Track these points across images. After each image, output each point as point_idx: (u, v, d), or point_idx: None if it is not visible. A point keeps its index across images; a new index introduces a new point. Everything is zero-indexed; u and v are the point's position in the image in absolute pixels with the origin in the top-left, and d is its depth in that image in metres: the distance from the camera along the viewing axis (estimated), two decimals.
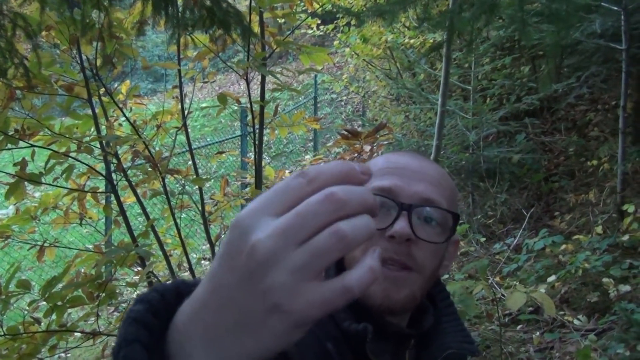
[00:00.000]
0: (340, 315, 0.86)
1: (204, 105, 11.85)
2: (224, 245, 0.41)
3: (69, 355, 3.80)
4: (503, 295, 3.29)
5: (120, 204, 2.49)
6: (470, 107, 5.17)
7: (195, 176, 2.77)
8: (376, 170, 0.91)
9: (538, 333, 3.20)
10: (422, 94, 5.50)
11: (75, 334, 2.37)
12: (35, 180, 2.42)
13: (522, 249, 4.17)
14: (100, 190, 2.79)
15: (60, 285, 2.05)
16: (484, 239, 4.72)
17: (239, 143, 7.58)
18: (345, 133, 2.00)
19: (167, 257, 2.63)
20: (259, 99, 2.66)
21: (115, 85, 3.09)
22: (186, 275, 3.09)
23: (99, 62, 2.62)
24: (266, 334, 0.39)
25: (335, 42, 7.37)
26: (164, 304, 0.48)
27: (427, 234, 0.85)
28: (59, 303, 2.01)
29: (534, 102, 5.20)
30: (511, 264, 3.98)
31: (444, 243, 0.88)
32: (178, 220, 2.72)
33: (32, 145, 2.47)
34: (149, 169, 2.57)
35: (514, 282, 3.37)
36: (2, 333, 1.92)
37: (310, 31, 7.68)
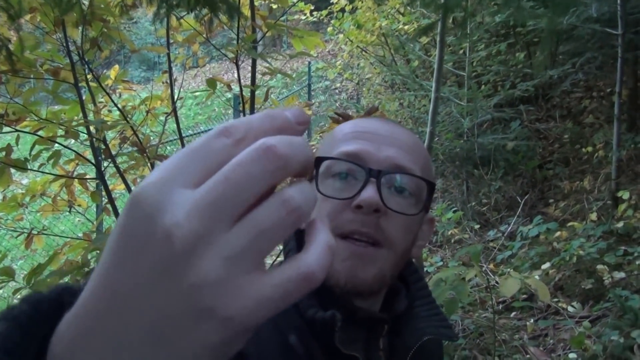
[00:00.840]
0: (303, 302, 0.76)
1: (197, 93, 11.78)
2: (119, 232, 0.29)
3: None
4: (497, 282, 3.27)
5: (107, 190, 2.45)
6: (464, 93, 5.13)
7: None
8: (342, 135, 0.82)
9: (532, 320, 3.19)
10: (416, 81, 5.45)
11: None
12: (21, 166, 2.37)
13: (516, 236, 4.16)
14: (88, 176, 2.74)
15: (46, 273, 2.01)
16: (478, 226, 4.69)
17: None
18: (337, 117, 1.96)
19: None
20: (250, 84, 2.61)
21: (105, 71, 3.04)
22: None
23: (85, 46, 2.56)
24: (193, 349, 0.29)
25: (329, 29, 7.30)
26: (37, 321, 0.34)
27: (398, 204, 0.75)
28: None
29: (529, 89, 5.16)
30: (505, 251, 3.97)
31: (418, 215, 0.77)
32: None
33: (17, 130, 2.41)
34: (137, 155, 2.53)
35: (508, 269, 3.35)
36: None
37: (303, 17, 7.60)
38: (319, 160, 0.78)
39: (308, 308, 0.75)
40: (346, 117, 1.94)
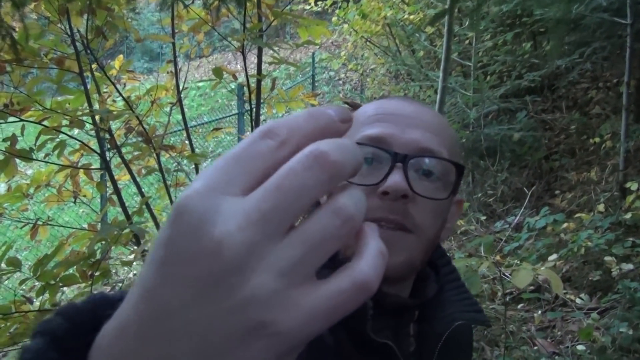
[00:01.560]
0: None
1: (200, 83, 11.76)
2: (163, 245, 0.27)
3: None
4: (504, 274, 3.25)
5: (113, 180, 2.43)
6: (471, 83, 5.08)
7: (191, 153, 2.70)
8: (365, 118, 0.77)
9: (539, 312, 3.17)
10: (421, 71, 5.40)
11: None
12: (26, 156, 2.35)
13: (523, 228, 4.13)
14: (93, 167, 2.72)
15: (52, 264, 1.99)
16: (485, 217, 4.67)
17: (237, 122, 7.49)
18: (345, 106, 1.93)
19: None
20: (255, 74, 2.59)
21: (109, 61, 3.01)
22: None
23: (90, 35, 2.54)
24: None
25: (334, 19, 7.25)
26: (73, 334, 0.34)
27: (426, 189, 0.72)
28: (52, 282, 1.96)
29: (536, 79, 5.12)
30: (512, 242, 3.94)
31: (446, 200, 0.74)
32: (174, 199, 2.66)
33: (22, 120, 2.39)
34: (143, 145, 2.51)
35: (515, 261, 3.33)
36: None
37: (307, 7, 7.55)
38: None
39: None
40: (354, 106, 1.91)
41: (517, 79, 5.27)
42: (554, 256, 3.54)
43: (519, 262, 3.06)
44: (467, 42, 5.50)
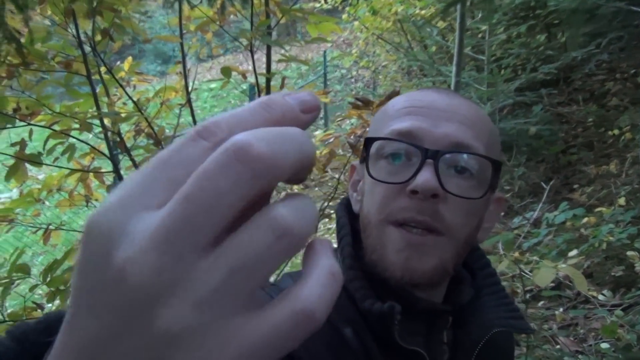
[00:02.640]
0: (359, 292, 0.69)
1: (212, 84, 11.76)
2: (76, 270, 0.23)
3: None
4: (523, 271, 3.18)
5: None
6: (484, 77, 5.00)
7: None
8: (394, 111, 0.72)
9: (561, 309, 3.09)
10: (434, 66, 5.33)
11: None
12: (36, 160, 2.33)
13: (542, 223, 4.04)
14: (103, 170, 2.70)
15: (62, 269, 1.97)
16: (502, 213, 4.59)
17: None
18: (356, 102, 1.88)
19: None
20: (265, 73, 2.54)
21: (118, 62, 2.99)
22: None
23: (97, 37, 2.51)
24: None
25: (344, 16, 7.20)
26: (22, 358, 0.31)
27: (459, 187, 0.67)
28: (61, 287, 1.93)
29: (551, 71, 5.02)
30: (531, 238, 3.86)
31: (482, 199, 0.69)
32: None
33: (32, 125, 2.37)
34: (153, 147, 2.47)
35: (535, 258, 3.25)
36: (3, 319, 1.85)
37: (318, 4, 7.50)
38: (370, 141, 0.71)
39: (364, 299, 0.68)
40: (365, 102, 1.86)
41: (532, 71, 5.18)
42: (574, 252, 3.46)
43: (538, 258, 2.99)
44: (480, 35, 5.42)
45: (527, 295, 3.27)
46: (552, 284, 3.25)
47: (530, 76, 5.11)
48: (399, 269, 0.67)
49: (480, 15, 4.93)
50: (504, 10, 5.20)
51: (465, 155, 0.67)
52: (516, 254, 3.57)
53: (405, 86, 7.19)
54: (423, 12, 6.08)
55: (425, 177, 0.65)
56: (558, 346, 2.73)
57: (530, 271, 2.21)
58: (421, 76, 6.65)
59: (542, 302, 3.23)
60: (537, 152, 5.18)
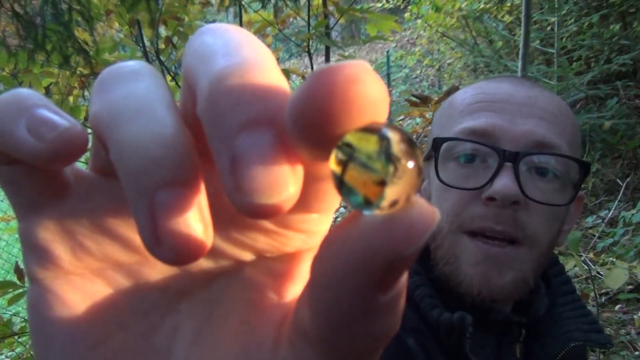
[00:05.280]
0: (424, 300, 0.64)
1: None
2: None
3: None
4: (598, 273, 3.03)
5: None
6: (555, 71, 4.81)
7: None
8: (464, 106, 0.65)
9: None
10: (500, 62, 5.18)
11: None
12: None
13: (618, 223, 3.84)
14: None
15: None
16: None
17: None
18: (413, 99, 1.84)
19: None
20: None
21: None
22: None
23: (161, 46, 2.60)
24: None
25: (407, 14, 7.11)
26: None
27: (541, 192, 0.60)
28: None
29: (627, 63, 4.76)
30: (606, 238, 3.68)
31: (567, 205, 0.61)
32: None
33: None
34: None
35: (610, 258, 3.09)
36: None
37: (379, 4, 7.45)
38: (439, 141, 0.64)
39: (431, 308, 0.63)
40: (423, 99, 1.82)
41: (605, 63, 4.93)
42: None
43: (614, 259, 2.84)
44: (549, 28, 5.21)
45: (603, 299, 3.12)
46: (631, 287, 3.08)
47: (604, 68, 4.86)
48: (476, 283, 0.62)
49: (547, 6, 4.75)
50: (574, 0, 4.99)
51: (547, 157, 0.61)
52: (590, 255, 3.41)
53: (470, 83, 7.02)
54: (488, 6, 5.93)
55: (504, 182, 0.59)
56: (637, 352, 2.58)
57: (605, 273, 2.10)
58: (487, 72, 6.47)
59: (619, 306, 3.07)
60: (612, 147, 4.93)
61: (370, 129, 0.16)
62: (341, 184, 0.16)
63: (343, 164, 0.16)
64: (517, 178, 0.59)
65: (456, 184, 0.63)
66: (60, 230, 0.21)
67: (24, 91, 0.20)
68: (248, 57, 0.18)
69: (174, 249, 0.17)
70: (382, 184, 0.15)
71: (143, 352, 0.22)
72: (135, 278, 0.22)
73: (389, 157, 0.15)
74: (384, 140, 0.16)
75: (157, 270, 0.22)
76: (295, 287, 0.22)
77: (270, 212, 0.16)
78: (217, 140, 0.16)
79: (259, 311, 0.21)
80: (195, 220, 0.17)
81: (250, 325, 0.21)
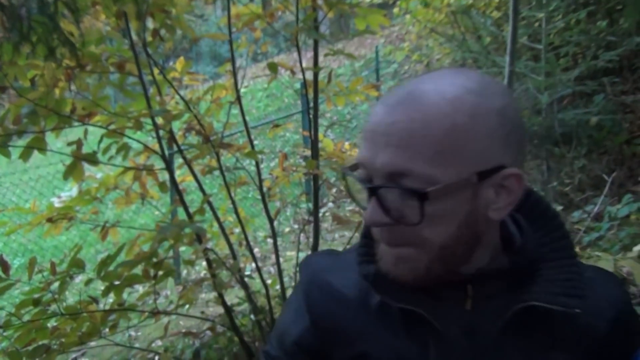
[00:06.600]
0: (360, 257, 0.79)
1: (266, 85, 11.87)
2: None
3: (139, 333, 3.87)
4: None
5: (173, 179, 2.45)
6: (542, 66, 4.84)
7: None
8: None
9: None
10: (488, 57, 5.20)
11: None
12: (92, 159, 2.41)
13: (604, 217, 3.87)
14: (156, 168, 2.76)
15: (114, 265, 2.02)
16: (561, 207, 4.42)
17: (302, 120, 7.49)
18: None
19: (225, 234, 2.57)
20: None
21: (171, 63, 3.06)
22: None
23: (149, 39, 2.57)
24: None
25: (395, 9, 7.11)
26: None
27: (400, 213, 0.67)
28: (116, 282, 1.99)
29: (613, 59, 4.80)
30: (592, 233, 3.71)
31: (419, 221, 0.67)
32: (244, 200, 2.65)
33: (89, 125, 2.45)
34: (203, 145, 2.51)
35: (596, 253, 3.12)
36: (61, 312, 1.92)
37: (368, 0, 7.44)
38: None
39: (361, 264, 0.78)
40: None
41: (592, 59, 4.96)
42: (639, 246, 3.29)
43: (599, 254, 2.87)
44: (536, 24, 5.24)
45: None
46: None
47: (591, 64, 4.89)
48: (385, 267, 0.74)
49: (535, 2, 4.77)
50: None
51: (393, 191, 0.67)
52: (577, 249, 3.43)
53: None
54: (476, 2, 5.95)
55: (368, 212, 0.68)
56: None
57: None
58: (476, 68, 6.50)
59: None
60: (599, 143, 4.97)
61: None
62: None
63: None
64: (381, 205, 0.67)
65: (363, 205, 0.72)
66: None
67: None
68: None
69: None
70: None
71: None
72: None
73: None
74: None
75: None
76: None
77: None
78: None
79: None
80: None
81: None
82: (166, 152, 2.54)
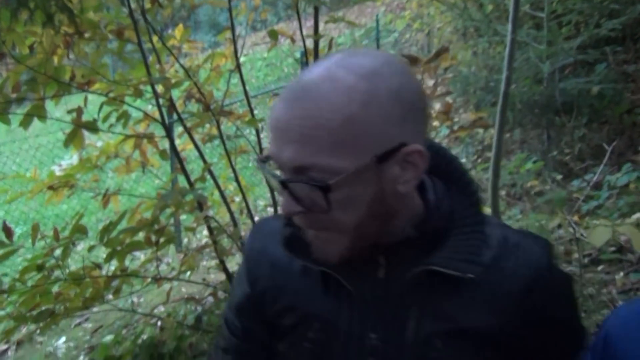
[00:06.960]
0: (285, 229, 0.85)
1: (265, 54, 11.77)
2: None
3: (142, 299, 3.92)
4: (582, 235, 3.08)
5: (173, 147, 2.45)
6: (544, 35, 4.79)
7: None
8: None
9: (621, 274, 2.99)
10: (490, 25, 5.14)
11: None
12: (92, 127, 2.40)
13: (603, 186, 3.89)
14: (156, 135, 2.76)
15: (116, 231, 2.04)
16: (561, 176, 4.43)
17: None
18: (405, 59, 1.83)
19: (226, 202, 2.59)
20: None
21: (169, 31, 3.03)
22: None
23: (147, 5, 2.55)
24: None
25: None
26: None
27: (312, 201, 0.70)
28: (118, 248, 2.01)
29: (616, 27, 4.74)
30: (591, 201, 3.72)
31: (329, 206, 0.69)
32: (244, 170, 2.66)
33: (89, 92, 2.44)
34: (203, 112, 2.51)
35: (594, 221, 3.14)
36: (65, 278, 1.94)
37: None
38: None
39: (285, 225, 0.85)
40: (412, 59, 1.82)
41: (595, 28, 4.91)
42: (637, 214, 3.31)
43: (598, 222, 2.89)
44: None
45: (586, 260, 3.17)
46: (613, 248, 3.14)
47: (593, 33, 4.84)
48: (319, 255, 0.78)
49: None
50: None
51: (297, 185, 0.70)
52: (575, 217, 3.46)
53: (460, 47, 6.98)
54: None
55: (282, 203, 0.72)
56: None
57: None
58: (477, 37, 6.44)
59: (601, 267, 3.13)
60: (599, 113, 4.95)
61: None
62: None
63: None
64: (293, 197, 0.71)
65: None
66: None
67: None
68: None
69: None
70: None
71: None
72: None
73: None
74: None
75: None
76: None
77: None
78: None
79: None
80: None
81: None
82: (166, 120, 2.53)
